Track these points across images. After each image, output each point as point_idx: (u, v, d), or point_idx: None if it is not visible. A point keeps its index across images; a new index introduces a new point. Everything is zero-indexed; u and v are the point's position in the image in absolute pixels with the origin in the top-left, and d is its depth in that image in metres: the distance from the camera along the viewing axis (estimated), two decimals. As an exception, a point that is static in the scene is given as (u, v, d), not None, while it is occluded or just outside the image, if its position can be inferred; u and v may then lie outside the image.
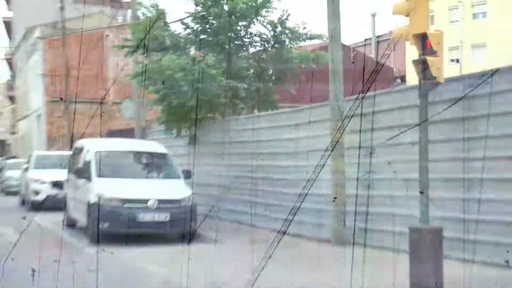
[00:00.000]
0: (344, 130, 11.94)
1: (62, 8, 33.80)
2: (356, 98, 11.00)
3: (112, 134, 29.96)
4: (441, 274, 5.47)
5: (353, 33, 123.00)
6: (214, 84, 16.55)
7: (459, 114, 10.00)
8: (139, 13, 20.84)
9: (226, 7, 17.62)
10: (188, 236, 13.68)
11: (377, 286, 8.25)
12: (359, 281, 8.72)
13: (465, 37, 47.85)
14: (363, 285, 8.24)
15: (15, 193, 26.24)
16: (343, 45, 32.89)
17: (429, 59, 9.40)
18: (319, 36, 17.78)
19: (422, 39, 9.45)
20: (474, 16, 49.57)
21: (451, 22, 50.22)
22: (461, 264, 9.42)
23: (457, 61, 45.81)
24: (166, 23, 18.55)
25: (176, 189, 14.14)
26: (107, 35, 35.60)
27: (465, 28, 48.29)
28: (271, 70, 18.39)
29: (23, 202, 23.21)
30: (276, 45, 18.28)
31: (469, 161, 9.78)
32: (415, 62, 9.65)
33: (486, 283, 8.09)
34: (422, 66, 9.51)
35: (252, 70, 18.30)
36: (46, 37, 39.68)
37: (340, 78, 12.31)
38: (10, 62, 66.93)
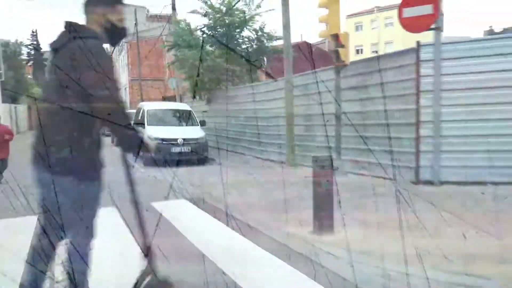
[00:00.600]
0: (292, 96, 11.49)
1: (136, 24, 32.89)
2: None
3: (164, 99, 29.45)
4: (332, 183, 5.08)
5: (314, 34, 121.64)
6: (220, 67, 16.10)
7: (360, 83, 9.50)
8: (176, 26, 20.08)
9: (227, 21, 16.94)
10: (202, 161, 13.50)
11: (298, 190, 7.90)
12: (293, 190, 8.41)
13: (381, 37, 47.88)
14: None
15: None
16: (306, 42, 31.93)
17: (340, 50, 8.88)
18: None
19: (336, 37, 8.90)
20: (386, 25, 48.74)
21: (372, 28, 49.66)
22: (359, 176, 9.10)
23: (376, 52, 45.59)
24: (191, 31, 17.88)
25: (195, 132, 13.67)
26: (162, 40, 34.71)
27: (381, 31, 48.18)
28: (255, 59, 17.78)
29: (112, 141, 22.88)
30: (258, 43, 17.63)
31: (365, 113, 9.32)
32: (331, 51, 9.12)
33: (364, 186, 7.68)
34: (336, 54, 9.01)
35: (243, 59, 17.71)
36: (128, 41, 38.91)
37: (290, 61, 11.64)
38: (110, 57, 66.81)
